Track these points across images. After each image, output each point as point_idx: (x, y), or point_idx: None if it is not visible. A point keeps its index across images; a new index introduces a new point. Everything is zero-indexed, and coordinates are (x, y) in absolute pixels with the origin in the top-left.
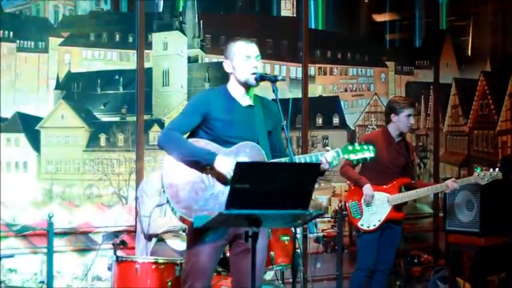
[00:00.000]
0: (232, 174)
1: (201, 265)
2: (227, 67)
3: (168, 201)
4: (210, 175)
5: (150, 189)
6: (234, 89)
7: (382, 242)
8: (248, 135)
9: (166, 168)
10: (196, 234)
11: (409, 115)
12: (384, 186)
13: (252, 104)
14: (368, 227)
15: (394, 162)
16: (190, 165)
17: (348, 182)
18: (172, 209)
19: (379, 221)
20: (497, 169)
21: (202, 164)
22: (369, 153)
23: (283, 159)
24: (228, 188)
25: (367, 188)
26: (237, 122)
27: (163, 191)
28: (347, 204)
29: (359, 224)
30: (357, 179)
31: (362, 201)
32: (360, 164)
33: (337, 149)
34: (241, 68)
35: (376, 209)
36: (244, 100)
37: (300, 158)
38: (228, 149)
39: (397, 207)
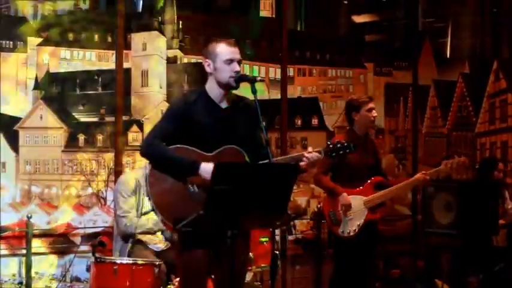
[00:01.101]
0: None
1: (200, 275)
2: (208, 67)
3: (153, 210)
4: (194, 182)
5: (125, 189)
6: (213, 90)
7: (360, 244)
8: (228, 137)
9: (151, 177)
10: (187, 239)
11: (370, 109)
12: (359, 189)
13: (231, 106)
14: (348, 233)
15: (364, 162)
16: (174, 173)
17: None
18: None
19: (359, 225)
20: (462, 156)
21: (186, 174)
22: (349, 150)
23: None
24: None
25: (344, 198)
26: (218, 125)
27: (149, 199)
28: (325, 213)
29: (339, 231)
30: (332, 188)
31: (340, 209)
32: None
33: (319, 148)
34: (223, 70)
35: (354, 214)
36: (224, 102)
37: (285, 158)
38: (210, 154)
39: (372, 208)
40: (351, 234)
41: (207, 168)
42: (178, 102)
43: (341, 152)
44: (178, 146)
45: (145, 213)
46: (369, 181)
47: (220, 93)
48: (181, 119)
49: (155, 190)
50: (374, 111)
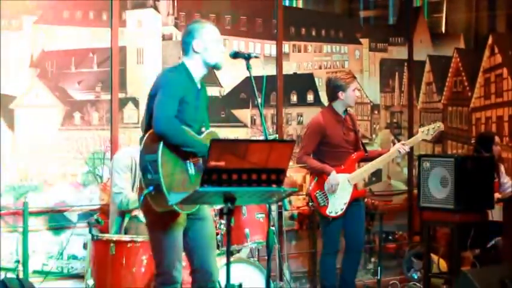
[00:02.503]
0: None
1: (178, 246)
2: (196, 46)
3: (160, 190)
4: (192, 162)
5: (120, 166)
6: (196, 70)
7: (348, 221)
8: (200, 117)
9: (161, 158)
10: (164, 217)
11: (354, 89)
12: (342, 167)
13: (201, 87)
14: (336, 213)
15: (346, 139)
16: (181, 153)
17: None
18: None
19: (345, 204)
20: (438, 122)
21: (197, 155)
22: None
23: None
24: None
25: (333, 178)
26: (196, 105)
27: (158, 181)
28: (312, 195)
29: (327, 212)
30: (321, 168)
31: (325, 189)
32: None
33: None
34: (214, 50)
35: (340, 192)
36: (199, 83)
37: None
38: (200, 136)
39: (357, 185)
40: (339, 213)
41: None
42: (177, 78)
43: None
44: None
45: None
46: (350, 158)
47: (202, 73)
48: (181, 95)
49: (164, 171)
50: (357, 91)
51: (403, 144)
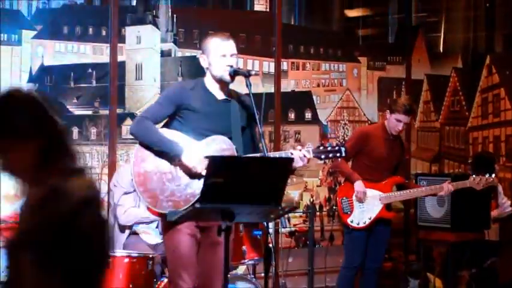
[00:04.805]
0: (198, 168)
1: (184, 256)
2: (203, 62)
3: (135, 190)
4: (178, 167)
5: (122, 181)
6: (210, 83)
7: (371, 240)
8: (222, 128)
9: (135, 157)
10: (171, 226)
11: (398, 120)
12: (377, 184)
13: (228, 99)
14: (358, 224)
15: (387, 159)
16: (159, 155)
17: (341, 176)
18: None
19: (370, 219)
20: (493, 175)
21: (170, 155)
22: (339, 154)
23: (258, 155)
24: (194, 182)
25: (359, 185)
26: (212, 115)
27: (132, 180)
28: (338, 200)
29: (348, 220)
30: (349, 174)
31: (353, 197)
32: (352, 158)
33: (308, 147)
34: (217, 65)
35: (367, 206)
36: (220, 94)
37: (274, 155)
38: (198, 142)
39: (388, 206)
40: (360, 225)
41: (189, 155)
42: (174, 87)
43: (330, 155)
44: (170, 130)
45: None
46: (388, 179)
47: (216, 86)
48: (175, 103)
49: (138, 169)
50: (401, 124)
51: (451, 184)
